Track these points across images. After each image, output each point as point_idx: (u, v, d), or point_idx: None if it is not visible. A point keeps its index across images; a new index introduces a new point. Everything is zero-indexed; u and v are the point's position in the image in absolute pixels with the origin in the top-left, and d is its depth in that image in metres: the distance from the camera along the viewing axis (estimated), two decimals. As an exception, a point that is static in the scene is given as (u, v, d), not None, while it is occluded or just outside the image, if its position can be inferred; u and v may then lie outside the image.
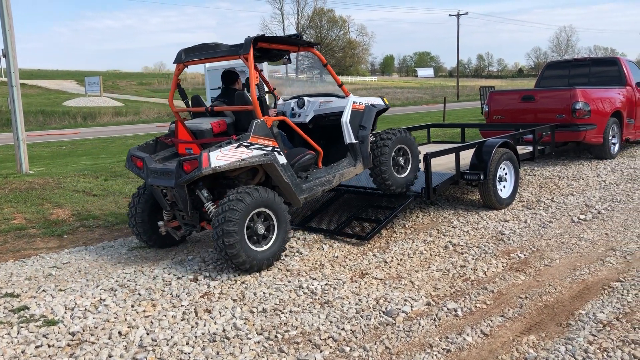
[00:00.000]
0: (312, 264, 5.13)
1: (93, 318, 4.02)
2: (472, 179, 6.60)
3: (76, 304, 4.28)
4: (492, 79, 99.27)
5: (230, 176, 5.28)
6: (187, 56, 5.52)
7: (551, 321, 3.80)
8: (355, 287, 4.50)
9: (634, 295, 4.14)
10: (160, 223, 5.52)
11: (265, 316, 4.00)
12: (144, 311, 4.14)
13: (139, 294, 4.46)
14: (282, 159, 5.18)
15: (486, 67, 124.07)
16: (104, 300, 4.35)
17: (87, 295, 4.46)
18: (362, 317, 3.93)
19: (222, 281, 4.70)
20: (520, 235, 5.77)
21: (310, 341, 3.61)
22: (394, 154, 6.08)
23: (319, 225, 6.36)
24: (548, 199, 7.32)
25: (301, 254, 5.39)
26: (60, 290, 4.61)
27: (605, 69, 11.25)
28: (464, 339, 3.56)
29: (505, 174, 7.05)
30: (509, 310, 3.98)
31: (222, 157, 4.72)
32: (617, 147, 10.38)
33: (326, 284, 4.55)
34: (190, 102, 5.78)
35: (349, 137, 5.82)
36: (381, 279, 4.69)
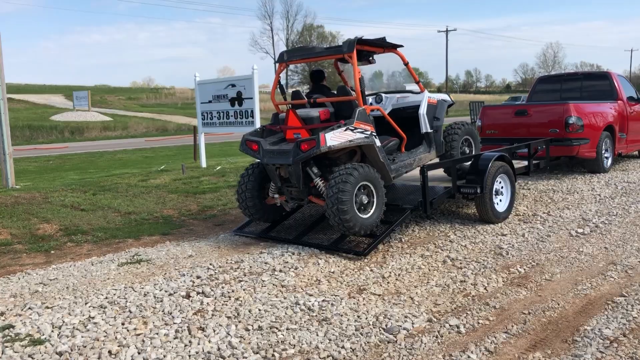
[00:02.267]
0: (308, 279, 5.00)
1: (82, 337, 3.85)
2: (468, 192, 6.52)
3: (64, 322, 4.11)
4: (480, 94, 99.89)
5: (333, 157, 6.04)
6: (289, 56, 6.40)
7: (556, 337, 3.70)
8: (354, 304, 4.37)
9: (638, 311, 4.05)
10: (276, 196, 6.34)
11: (262, 334, 3.85)
12: (135, 329, 3.97)
13: (130, 311, 4.29)
14: (378, 142, 5.96)
15: (474, 83, 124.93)
16: (93, 318, 4.18)
17: (75, 312, 4.28)
18: (361, 334, 3.80)
19: (216, 298, 4.55)
20: (519, 250, 5.68)
21: (309, 360, 3.48)
22: (461, 143, 7.11)
23: (313, 240, 6.23)
24: (544, 212, 7.26)
25: (296, 269, 5.24)
26: (47, 307, 4.42)
27: (597, 83, 11.28)
28: (468, 357, 3.44)
29: (502, 187, 6.97)
30: (512, 326, 3.87)
31: (334, 138, 5.49)
32: (609, 161, 10.37)
33: (323, 300, 4.42)
34: (286, 97, 6.69)
35: (425, 127, 6.73)
36: (380, 295, 4.56)
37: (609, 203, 7.70)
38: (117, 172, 14.40)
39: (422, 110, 6.72)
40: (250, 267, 5.33)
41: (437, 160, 7.06)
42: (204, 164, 14.20)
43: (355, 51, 5.85)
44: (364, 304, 4.36)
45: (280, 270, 5.19)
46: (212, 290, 4.71)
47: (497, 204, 6.84)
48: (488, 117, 10.54)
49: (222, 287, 4.76)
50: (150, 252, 6.05)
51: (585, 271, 5.00)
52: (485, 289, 4.63)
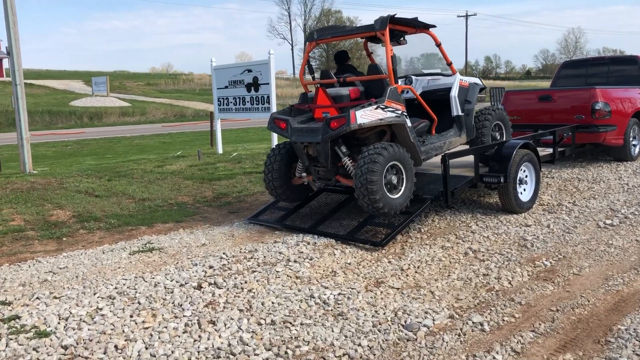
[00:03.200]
0: (324, 270, 4.81)
1: (88, 329, 3.72)
2: (492, 181, 6.26)
3: (71, 313, 3.98)
4: (499, 80, 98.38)
5: (362, 136, 5.93)
6: (319, 35, 6.30)
7: (587, 337, 3.47)
8: (371, 297, 4.17)
9: (675, 309, 3.80)
10: (304, 174, 6.25)
11: (274, 329, 3.68)
12: (143, 322, 3.83)
13: (139, 303, 4.15)
14: (409, 122, 5.86)
15: (494, 69, 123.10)
16: (101, 309, 4.04)
17: (83, 303, 4.15)
18: (379, 331, 3.61)
19: (228, 289, 4.39)
20: (545, 241, 5.43)
21: (324, 358, 3.30)
22: (492, 128, 7.08)
23: (329, 229, 6.03)
24: (570, 202, 6.98)
25: (311, 259, 5.06)
26: (55, 297, 4.30)
27: (624, 67, 10.85)
28: (494, 358, 3.24)
29: (526, 176, 6.70)
30: (540, 324, 3.65)
31: (365, 116, 5.38)
32: (637, 149, 10.00)
33: (339, 294, 4.23)
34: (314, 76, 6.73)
35: (457, 109, 6.62)
36: (398, 289, 4.36)
37: (638, 193, 7.39)
38: (134, 157, 14.33)
39: (454, 92, 6.60)
40: (264, 257, 5.16)
41: (466, 146, 6.93)
42: (220, 150, 14.07)
43: (387, 29, 5.77)
44: (381, 298, 4.16)
45: (295, 261, 5.01)
46: (224, 281, 4.54)
47: (521, 193, 6.58)
48: (511, 102, 10.20)
49: (235, 278, 4.60)
50: (163, 240, 5.91)
51: (616, 265, 4.74)
52: (509, 283, 4.41)
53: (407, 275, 4.66)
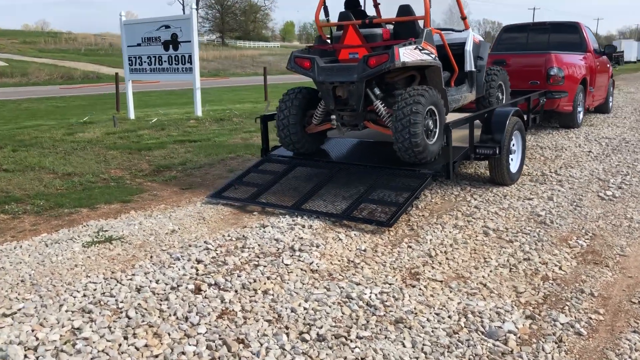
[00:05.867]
0: (339, 261, 4.01)
1: (74, 364, 2.69)
2: (486, 153, 5.69)
3: (38, 339, 2.89)
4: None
5: (391, 81, 5.56)
6: None
7: (693, 335, 2.99)
8: (419, 294, 3.45)
9: None
10: (333, 117, 5.54)
11: (329, 347, 2.85)
12: (146, 346, 2.84)
13: (128, 317, 3.13)
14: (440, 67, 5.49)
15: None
16: (80, 330, 2.99)
17: (50, 322, 3.06)
18: (461, 342, 2.89)
19: (237, 291, 3.48)
20: (562, 217, 4.97)
21: (416, 387, 2.54)
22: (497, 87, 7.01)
23: (317, 208, 5.19)
24: (550, 172, 6.64)
25: (318, 247, 4.23)
26: (5, 315, 3.17)
27: (565, 34, 10.80)
28: (617, 372, 2.65)
29: (513, 145, 6.23)
30: (636, 322, 3.13)
31: (407, 54, 5.00)
32: (582, 116, 10.03)
33: (380, 292, 3.47)
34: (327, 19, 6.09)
35: (470, 64, 6.37)
36: (442, 281, 3.67)
37: (609, 161, 7.23)
38: (29, 123, 12.47)
39: (468, 47, 6.35)
40: (259, 245, 4.26)
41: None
42: (131, 116, 12.65)
43: None
44: (431, 295, 3.45)
45: (300, 250, 4.16)
46: (226, 280, 3.62)
47: (510, 163, 6.11)
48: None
49: (239, 276, 3.68)
50: (118, 227, 4.79)
51: (654, 243, 4.37)
52: (560, 269, 3.87)
53: (440, 263, 3.98)
